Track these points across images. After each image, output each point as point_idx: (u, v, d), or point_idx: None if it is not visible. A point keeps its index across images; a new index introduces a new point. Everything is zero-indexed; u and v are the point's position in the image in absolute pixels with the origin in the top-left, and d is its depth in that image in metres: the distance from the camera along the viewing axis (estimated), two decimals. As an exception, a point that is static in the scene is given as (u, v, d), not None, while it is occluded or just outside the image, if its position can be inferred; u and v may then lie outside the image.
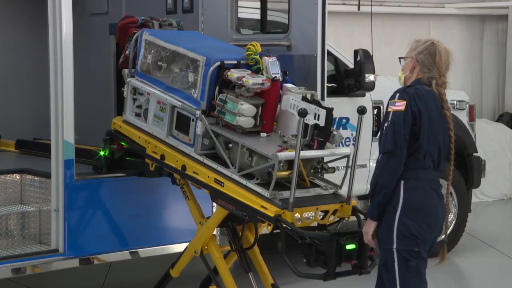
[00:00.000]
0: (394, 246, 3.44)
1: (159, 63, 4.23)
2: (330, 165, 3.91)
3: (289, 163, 3.67)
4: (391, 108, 3.44)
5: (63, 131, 4.35)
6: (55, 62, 4.37)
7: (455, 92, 7.12)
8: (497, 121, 10.73)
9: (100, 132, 4.69)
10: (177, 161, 4.09)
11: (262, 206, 3.66)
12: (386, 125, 3.44)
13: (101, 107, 5.59)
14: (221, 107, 3.88)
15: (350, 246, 3.57)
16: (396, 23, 10.33)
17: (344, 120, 5.82)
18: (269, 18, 5.09)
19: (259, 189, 3.71)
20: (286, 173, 3.70)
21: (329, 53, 5.38)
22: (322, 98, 4.33)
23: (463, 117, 6.77)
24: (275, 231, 3.72)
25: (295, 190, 3.57)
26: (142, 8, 5.32)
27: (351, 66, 5.88)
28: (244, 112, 3.81)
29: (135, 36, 4.36)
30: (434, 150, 3.48)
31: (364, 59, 5.66)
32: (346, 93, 5.88)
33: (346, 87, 5.89)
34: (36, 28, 6.33)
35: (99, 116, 5.38)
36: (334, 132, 3.82)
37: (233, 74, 3.88)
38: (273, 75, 3.89)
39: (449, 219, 6.52)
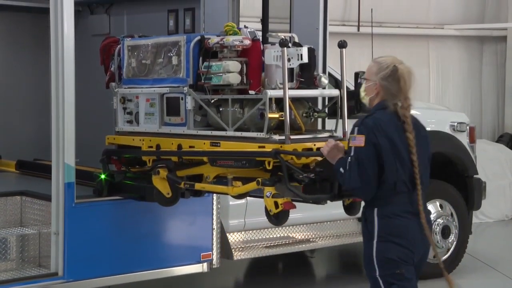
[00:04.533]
0: (377, 273, 3.47)
1: (143, 61, 4.35)
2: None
3: (280, 108, 3.80)
4: (352, 143, 3.44)
5: (64, 153, 4.34)
6: (56, 84, 4.38)
7: (456, 114, 7.13)
8: (497, 141, 10.74)
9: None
10: (172, 143, 4.16)
11: (259, 147, 3.78)
12: (349, 160, 3.43)
13: (103, 129, 5.59)
14: (207, 73, 3.96)
15: None
16: (395, 44, 10.37)
17: (345, 142, 5.82)
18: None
19: (254, 134, 3.85)
20: (278, 115, 3.81)
21: (330, 75, 5.38)
22: (323, 121, 4.33)
23: (463, 139, 6.78)
24: (275, 164, 3.76)
25: (288, 123, 3.71)
26: (143, 29, 5.34)
27: (352, 87, 5.88)
28: (229, 68, 3.88)
29: (117, 49, 4.49)
30: (405, 175, 3.46)
31: (364, 81, 5.65)
32: (347, 114, 5.86)
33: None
34: (38, 49, 6.36)
35: (101, 138, 5.38)
36: (320, 74, 3.98)
37: (213, 39, 4.01)
38: (253, 36, 4.00)
39: (450, 240, 6.52)
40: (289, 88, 3.83)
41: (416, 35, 10.69)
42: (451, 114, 7.10)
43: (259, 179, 3.85)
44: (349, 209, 4.02)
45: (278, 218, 3.84)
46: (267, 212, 3.87)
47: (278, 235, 5.98)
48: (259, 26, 4.91)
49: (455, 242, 6.59)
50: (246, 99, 3.97)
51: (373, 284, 3.53)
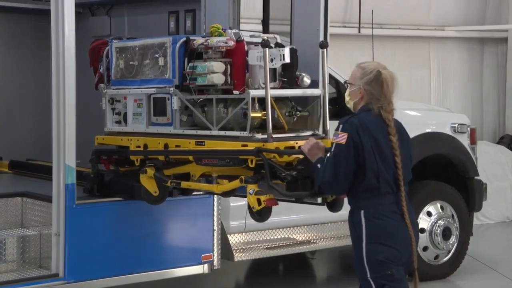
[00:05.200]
0: (368, 275, 3.52)
1: (131, 62, 4.43)
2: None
3: (263, 108, 3.90)
4: (333, 140, 3.52)
5: (65, 155, 4.35)
6: (57, 85, 4.39)
7: (456, 116, 7.14)
8: (497, 143, 10.74)
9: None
10: (159, 143, 4.26)
11: (242, 145, 3.89)
12: (328, 155, 3.53)
13: (103, 130, 5.60)
14: (192, 73, 4.05)
15: None
16: (396, 45, 10.38)
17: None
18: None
19: (237, 133, 3.96)
20: (260, 114, 3.92)
21: (330, 76, 5.39)
22: (324, 122, 4.35)
23: (464, 140, 6.77)
24: (258, 162, 3.85)
25: (270, 122, 3.81)
26: (144, 30, 5.35)
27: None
28: (214, 68, 3.97)
29: (105, 50, 4.56)
30: (389, 175, 3.52)
31: (365, 83, 5.65)
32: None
33: (347, 110, 5.88)
34: (38, 51, 6.37)
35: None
36: (302, 74, 4.06)
37: (198, 40, 4.10)
38: (237, 37, 4.07)
39: (451, 241, 6.52)
40: (271, 88, 3.94)
41: (417, 37, 10.69)
42: (451, 116, 7.10)
43: (242, 177, 3.93)
44: (332, 206, 4.10)
45: (261, 215, 3.93)
46: (250, 209, 3.94)
47: (279, 237, 5.99)
48: (259, 27, 4.92)
49: (456, 244, 6.59)
50: (230, 99, 4.04)
51: (364, 286, 3.57)
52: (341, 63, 8.79)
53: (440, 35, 10.90)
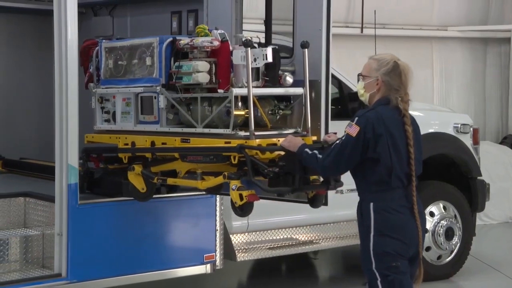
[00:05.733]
0: (373, 266, 3.56)
1: (119, 62, 4.51)
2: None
3: (247, 106, 3.97)
4: (346, 130, 3.57)
5: (68, 155, 4.35)
6: (60, 85, 4.40)
7: (459, 116, 7.12)
8: (500, 143, 10.72)
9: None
10: (146, 140, 4.36)
11: (225, 142, 3.99)
12: (337, 141, 3.61)
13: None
14: (178, 72, 4.15)
15: None
16: (399, 45, 10.35)
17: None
18: (274, 41, 5.10)
19: (221, 131, 4.05)
20: (243, 112, 4.00)
21: (333, 76, 5.38)
22: (326, 123, 4.39)
23: (467, 140, 6.77)
24: (241, 159, 3.94)
25: (252, 119, 3.90)
26: (147, 31, 5.35)
27: (355, 89, 5.88)
28: (198, 68, 4.06)
29: (95, 51, 4.64)
30: (401, 170, 3.57)
31: (368, 83, 5.65)
32: (350, 116, 5.85)
33: (350, 110, 5.89)
34: (41, 51, 6.38)
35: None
36: (285, 73, 4.17)
37: (184, 40, 4.20)
38: (222, 37, 4.17)
39: (454, 242, 6.51)
40: (254, 87, 4.02)
41: (419, 37, 10.69)
42: (454, 116, 7.09)
43: (225, 173, 4.03)
44: (313, 202, 4.21)
45: (243, 210, 4.00)
46: (233, 204, 4.02)
47: (281, 237, 5.99)
48: (262, 27, 4.92)
49: (458, 244, 6.58)
50: (214, 97, 4.13)
51: (369, 277, 3.60)
52: (343, 63, 8.79)
53: (443, 35, 10.89)
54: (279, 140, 4.01)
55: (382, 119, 3.54)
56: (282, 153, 3.93)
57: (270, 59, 4.04)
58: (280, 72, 4.23)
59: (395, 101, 3.58)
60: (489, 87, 11.38)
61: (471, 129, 6.84)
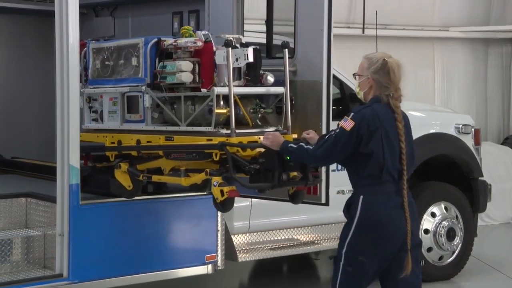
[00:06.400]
0: (343, 250, 3.69)
1: (106, 62, 4.60)
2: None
3: (229, 104, 4.06)
4: (341, 123, 3.66)
5: (69, 155, 4.36)
6: (61, 86, 4.39)
7: (460, 116, 7.12)
8: (502, 144, 10.71)
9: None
10: (132, 139, 4.48)
11: (207, 140, 4.10)
12: (331, 133, 3.69)
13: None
14: (162, 72, 4.26)
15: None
16: (400, 46, 10.35)
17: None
18: (275, 42, 5.11)
19: (203, 128, 4.15)
20: (225, 110, 4.10)
21: (334, 77, 5.39)
22: (328, 123, 4.41)
23: (468, 141, 6.76)
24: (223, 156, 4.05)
25: (233, 118, 4.00)
26: (148, 31, 5.36)
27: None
28: (182, 67, 4.16)
29: (83, 51, 4.72)
30: (393, 165, 3.64)
31: (369, 83, 5.66)
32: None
33: (351, 110, 5.87)
34: (42, 52, 6.39)
35: None
36: (266, 73, 4.27)
37: (168, 41, 4.31)
38: (205, 38, 4.28)
39: (455, 242, 6.51)
40: (236, 86, 4.15)
41: (421, 37, 10.68)
42: (456, 116, 7.09)
43: (207, 170, 4.13)
44: (293, 198, 4.31)
45: (224, 206, 4.10)
46: (214, 200, 4.11)
47: (283, 237, 5.99)
48: (263, 28, 4.92)
49: (460, 245, 6.58)
50: (197, 96, 4.22)
51: (337, 258, 3.73)
52: (345, 63, 8.78)
53: (444, 35, 10.89)
54: (260, 138, 4.09)
55: (377, 115, 3.63)
56: (262, 150, 4.03)
57: (251, 59, 4.13)
58: (261, 71, 4.32)
59: (386, 98, 3.68)
60: (491, 87, 11.38)
61: (473, 129, 6.83)
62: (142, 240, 4.73)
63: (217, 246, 5.04)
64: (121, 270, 4.65)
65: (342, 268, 3.68)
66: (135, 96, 4.46)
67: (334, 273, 3.76)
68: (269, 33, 4.85)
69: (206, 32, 4.32)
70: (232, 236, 5.62)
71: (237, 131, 4.07)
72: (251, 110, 4.29)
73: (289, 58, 4.64)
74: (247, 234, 5.78)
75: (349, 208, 3.72)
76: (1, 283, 4.34)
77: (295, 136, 4.26)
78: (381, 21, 9.26)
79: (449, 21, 10.90)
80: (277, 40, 5.09)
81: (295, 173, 4.13)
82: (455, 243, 6.53)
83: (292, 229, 6.03)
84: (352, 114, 3.66)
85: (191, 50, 4.22)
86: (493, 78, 11.38)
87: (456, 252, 6.56)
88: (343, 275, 3.69)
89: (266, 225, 5.85)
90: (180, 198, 4.83)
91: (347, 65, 8.55)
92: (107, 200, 4.65)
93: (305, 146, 3.77)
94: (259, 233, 5.84)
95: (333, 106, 4.45)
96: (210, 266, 5.02)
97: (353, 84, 6.02)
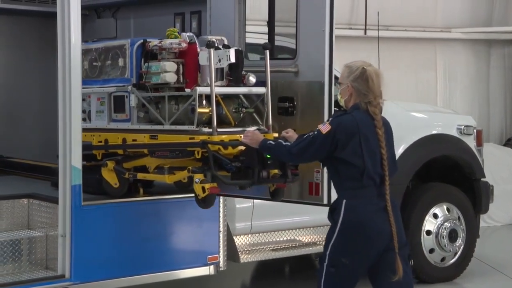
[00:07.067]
0: (328, 251, 3.81)
1: (94, 63, 4.73)
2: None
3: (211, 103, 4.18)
4: (319, 126, 3.81)
5: (71, 156, 4.36)
6: (63, 87, 4.40)
7: (463, 117, 7.11)
8: (504, 145, 10.71)
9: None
10: (118, 138, 4.59)
11: (190, 138, 4.23)
12: (310, 134, 3.83)
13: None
14: (147, 73, 4.40)
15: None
16: (402, 47, 10.36)
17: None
18: (277, 43, 5.11)
19: (186, 127, 4.28)
20: (208, 110, 4.23)
21: (336, 78, 5.38)
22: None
23: (470, 142, 6.75)
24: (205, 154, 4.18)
25: (215, 116, 4.13)
26: (150, 32, 5.36)
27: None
28: (166, 68, 4.30)
29: None
30: (375, 170, 3.74)
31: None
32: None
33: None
34: (45, 53, 6.39)
35: None
36: (248, 73, 4.40)
37: (153, 42, 4.44)
38: (190, 39, 4.41)
39: (457, 244, 6.50)
40: (219, 86, 4.30)
41: (423, 39, 10.68)
42: (458, 117, 7.08)
43: (190, 167, 4.25)
44: (274, 195, 4.41)
45: (205, 202, 4.22)
46: (196, 196, 4.23)
47: (285, 238, 5.98)
48: (265, 29, 4.92)
49: (462, 246, 6.57)
50: (181, 96, 4.34)
51: (322, 259, 3.84)
52: (347, 65, 8.78)
53: (447, 37, 10.88)
54: (241, 137, 4.19)
55: (356, 122, 3.74)
56: (243, 148, 4.14)
57: (233, 60, 4.26)
58: (244, 72, 4.43)
59: (364, 105, 3.78)
60: (493, 88, 11.36)
61: (475, 130, 6.82)
62: (144, 241, 4.73)
63: (219, 247, 5.04)
64: (124, 271, 4.65)
65: (325, 269, 3.80)
66: (121, 96, 4.57)
67: (319, 273, 3.87)
68: (271, 34, 4.86)
69: (191, 34, 4.45)
70: (234, 237, 5.63)
71: (219, 129, 4.19)
72: (233, 110, 4.40)
73: (291, 59, 4.65)
74: (249, 235, 5.78)
75: (332, 213, 3.84)
76: (4, 284, 4.34)
77: (276, 135, 4.36)
78: (383, 22, 9.27)
79: (451, 22, 10.90)
80: (278, 41, 5.10)
81: (275, 171, 4.25)
82: (457, 245, 6.52)
83: (294, 230, 6.03)
84: (330, 119, 3.83)
85: (175, 51, 4.35)
86: (495, 79, 11.37)
87: (458, 253, 6.55)
88: (326, 275, 3.81)
89: (268, 226, 5.85)
90: (182, 199, 4.83)
91: (349, 66, 8.55)
92: (109, 201, 4.65)
93: (284, 143, 3.93)
94: (261, 234, 5.84)
95: (334, 107, 4.45)
96: (212, 267, 5.03)
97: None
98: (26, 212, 4.90)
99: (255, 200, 5.54)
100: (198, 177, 4.17)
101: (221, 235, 5.06)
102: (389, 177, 3.78)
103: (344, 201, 3.76)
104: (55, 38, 4.46)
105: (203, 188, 4.14)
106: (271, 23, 4.83)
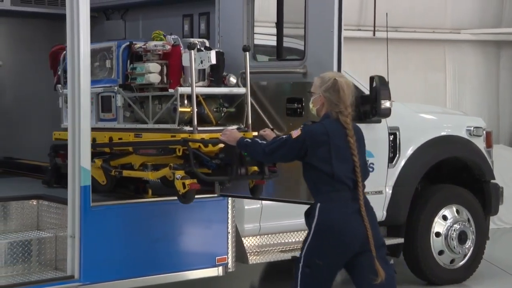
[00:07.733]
0: (303, 253, 3.92)
1: None
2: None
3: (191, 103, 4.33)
4: (292, 131, 3.99)
5: (80, 157, 4.38)
6: (72, 89, 4.42)
7: (472, 119, 7.09)
8: (514, 146, 10.66)
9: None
10: (105, 137, 4.75)
11: (171, 136, 4.39)
12: (283, 136, 4.03)
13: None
14: (132, 73, 4.57)
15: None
16: (411, 49, 10.34)
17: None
18: (285, 44, 5.11)
19: (168, 126, 4.44)
20: (189, 109, 4.38)
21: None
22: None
23: (480, 143, 6.73)
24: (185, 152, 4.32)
25: (195, 116, 4.29)
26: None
27: (367, 92, 5.88)
28: (150, 69, 4.48)
29: (62, 54, 4.97)
30: (347, 175, 3.87)
31: (380, 86, 5.67)
32: (362, 119, 5.87)
33: (362, 113, 5.88)
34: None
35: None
36: (229, 74, 4.58)
37: (139, 44, 4.63)
38: (174, 41, 4.58)
39: (467, 246, 6.48)
40: (200, 86, 4.48)
41: (432, 40, 10.65)
42: (467, 119, 7.06)
43: (171, 164, 4.40)
44: (253, 192, 4.60)
45: (185, 197, 4.38)
46: (177, 192, 4.37)
47: (293, 240, 5.98)
48: (274, 30, 4.93)
49: (472, 248, 6.55)
50: (163, 96, 4.52)
51: (298, 260, 3.96)
52: (355, 66, 8.79)
53: (456, 38, 10.85)
54: (221, 135, 4.33)
55: (326, 130, 3.89)
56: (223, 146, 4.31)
57: (213, 61, 4.42)
58: (224, 73, 4.60)
59: (335, 115, 3.92)
60: (503, 90, 11.31)
61: (484, 132, 6.80)
62: (153, 242, 4.74)
63: (227, 248, 5.05)
64: (132, 272, 4.67)
65: (301, 269, 3.92)
66: (108, 96, 4.74)
67: (295, 273, 3.97)
68: (279, 35, 4.86)
69: (176, 37, 4.63)
70: (242, 238, 5.63)
71: (200, 128, 4.35)
72: (214, 109, 4.58)
73: (299, 60, 4.65)
74: (258, 236, 5.78)
75: (308, 217, 3.96)
76: (13, 285, 4.36)
77: (255, 133, 4.48)
78: (392, 24, 9.23)
79: (460, 24, 10.86)
80: (287, 42, 5.10)
81: (255, 168, 4.41)
82: (467, 246, 6.49)
83: (302, 232, 6.01)
84: (302, 126, 3.98)
85: (159, 53, 4.52)
86: (505, 81, 11.31)
87: (468, 255, 6.53)
88: (302, 275, 3.92)
89: (277, 227, 5.84)
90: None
91: (358, 68, 8.55)
92: (118, 202, 4.67)
93: (259, 142, 4.10)
94: (269, 235, 5.84)
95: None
96: (220, 268, 5.03)
97: (364, 87, 6.03)
98: (36, 213, 4.93)
99: (263, 202, 5.54)
100: (179, 173, 4.32)
101: (229, 237, 5.07)
102: (362, 182, 3.90)
103: (319, 204, 3.89)
104: (64, 40, 4.49)
105: (184, 184, 4.30)
106: (279, 24, 4.84)
